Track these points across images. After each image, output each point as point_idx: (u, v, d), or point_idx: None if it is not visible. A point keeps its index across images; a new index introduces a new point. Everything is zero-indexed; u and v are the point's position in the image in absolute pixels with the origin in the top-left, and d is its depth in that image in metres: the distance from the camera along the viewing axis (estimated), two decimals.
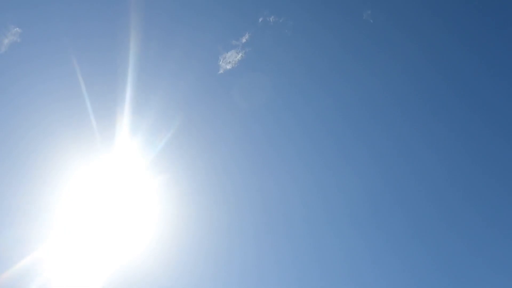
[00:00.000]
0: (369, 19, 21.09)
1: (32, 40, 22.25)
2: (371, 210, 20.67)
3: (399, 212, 20.51)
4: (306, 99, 20.70)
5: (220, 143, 22.17)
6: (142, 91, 21.40)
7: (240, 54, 21.67)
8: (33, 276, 17.90)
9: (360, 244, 20.18)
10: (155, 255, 19.46)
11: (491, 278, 18.54)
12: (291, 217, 20.97)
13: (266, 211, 20.98)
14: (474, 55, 21.27)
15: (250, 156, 22.11)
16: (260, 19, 22.02)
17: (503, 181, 19.92)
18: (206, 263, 20.04)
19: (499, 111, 20.55)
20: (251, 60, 21.69)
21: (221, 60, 21.73)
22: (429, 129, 20.76)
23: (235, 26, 22.10)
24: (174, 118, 22.11)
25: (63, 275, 18.44)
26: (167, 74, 22.27)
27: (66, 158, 20.44)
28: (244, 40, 21.82)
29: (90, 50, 21.09)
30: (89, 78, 20.82)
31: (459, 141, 20.90)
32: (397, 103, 21.67)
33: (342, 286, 19.54)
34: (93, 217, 20.36)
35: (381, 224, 20.51)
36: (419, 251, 19.85)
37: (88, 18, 21.14)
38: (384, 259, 20.06)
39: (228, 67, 21.63)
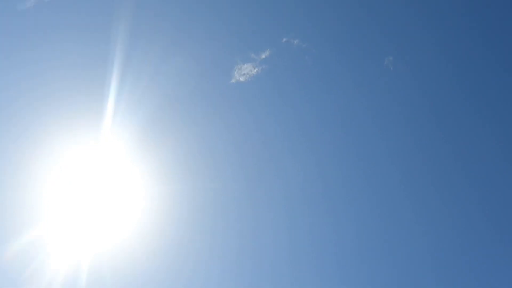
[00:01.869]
0: (389, 66, 21.18)
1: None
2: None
3: None
4: (310, 132, 20.88)
5: (214, 146, 21.83)
6: (143, 84, 20.98)
7: (256, 69, 21.48)
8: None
9: None
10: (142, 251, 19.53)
11: None
12: None
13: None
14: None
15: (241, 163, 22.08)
16: (284, 39, 21.64)
17: None
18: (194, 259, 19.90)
19: None
20: (265, 78, 21.49)
21: (236, 71, 21.47)
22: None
23: (257, 40, 21.62)
24: (172, 114, 21.88)
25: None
26: (175, 69, 21.80)
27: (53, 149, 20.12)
28: (263, 56, 21.55)
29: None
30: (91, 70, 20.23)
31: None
32: (407, 147, 20.81)
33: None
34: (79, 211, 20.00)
35: None
36: None
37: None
38: None
39: (241, 79, 21.46)
